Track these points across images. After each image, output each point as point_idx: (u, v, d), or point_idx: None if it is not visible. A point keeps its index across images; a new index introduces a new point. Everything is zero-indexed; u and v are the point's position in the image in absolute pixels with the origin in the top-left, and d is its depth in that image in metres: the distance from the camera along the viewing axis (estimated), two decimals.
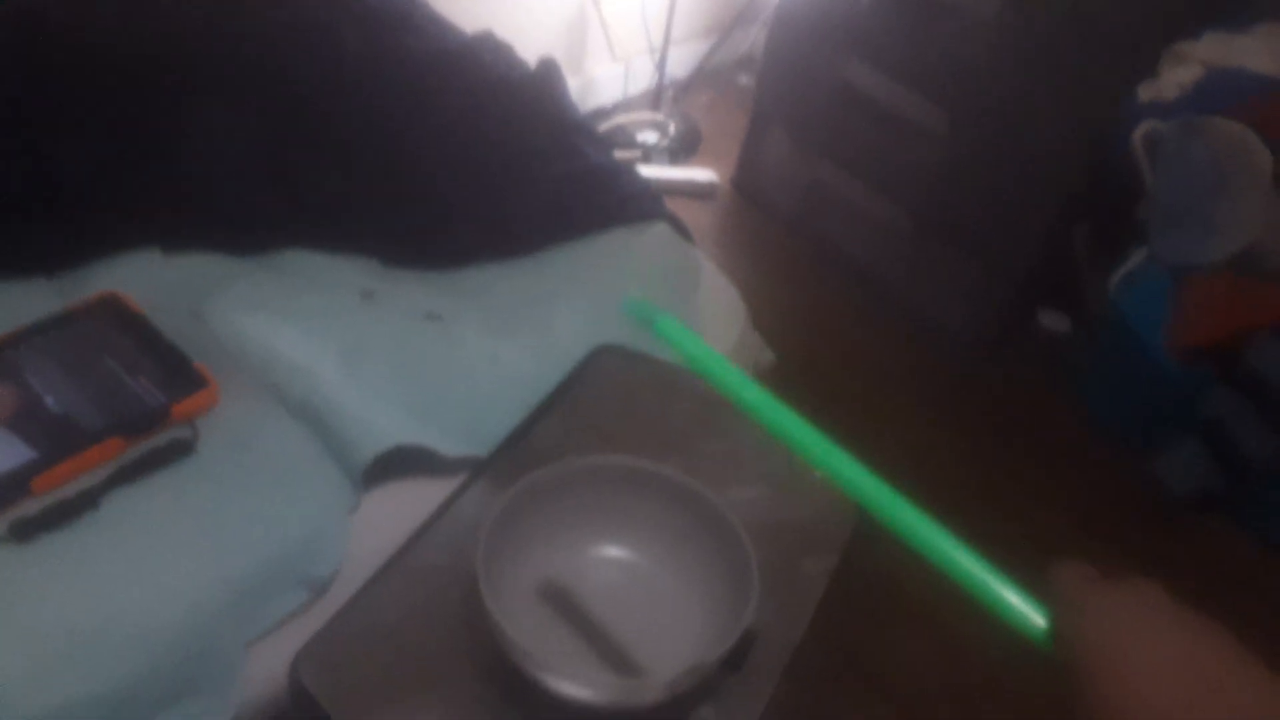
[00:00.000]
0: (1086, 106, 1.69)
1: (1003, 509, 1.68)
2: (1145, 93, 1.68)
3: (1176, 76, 1.67)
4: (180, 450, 0.85)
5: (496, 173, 1.27)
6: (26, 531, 0.77)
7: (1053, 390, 1.92)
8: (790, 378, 1.39)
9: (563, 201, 1.26)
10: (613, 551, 0.73)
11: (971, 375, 1.95)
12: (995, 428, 1.85)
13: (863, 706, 1.38)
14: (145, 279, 1.00)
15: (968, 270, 1.93)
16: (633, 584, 0.71)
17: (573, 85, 1.58)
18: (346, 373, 0.97)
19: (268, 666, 0.81)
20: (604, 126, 2.35)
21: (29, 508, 0.79)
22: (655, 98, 2.42)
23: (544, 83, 1.47)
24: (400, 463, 0.91)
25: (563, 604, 0.69)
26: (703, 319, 1.20)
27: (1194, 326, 1.58)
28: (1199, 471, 1.59)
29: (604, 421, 0.85)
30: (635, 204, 1.30)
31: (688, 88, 2.53)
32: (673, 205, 1.35)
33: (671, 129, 2.38)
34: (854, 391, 1.86)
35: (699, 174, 2.30)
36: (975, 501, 1.69)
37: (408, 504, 0.90)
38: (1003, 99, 1.73)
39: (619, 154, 1.79)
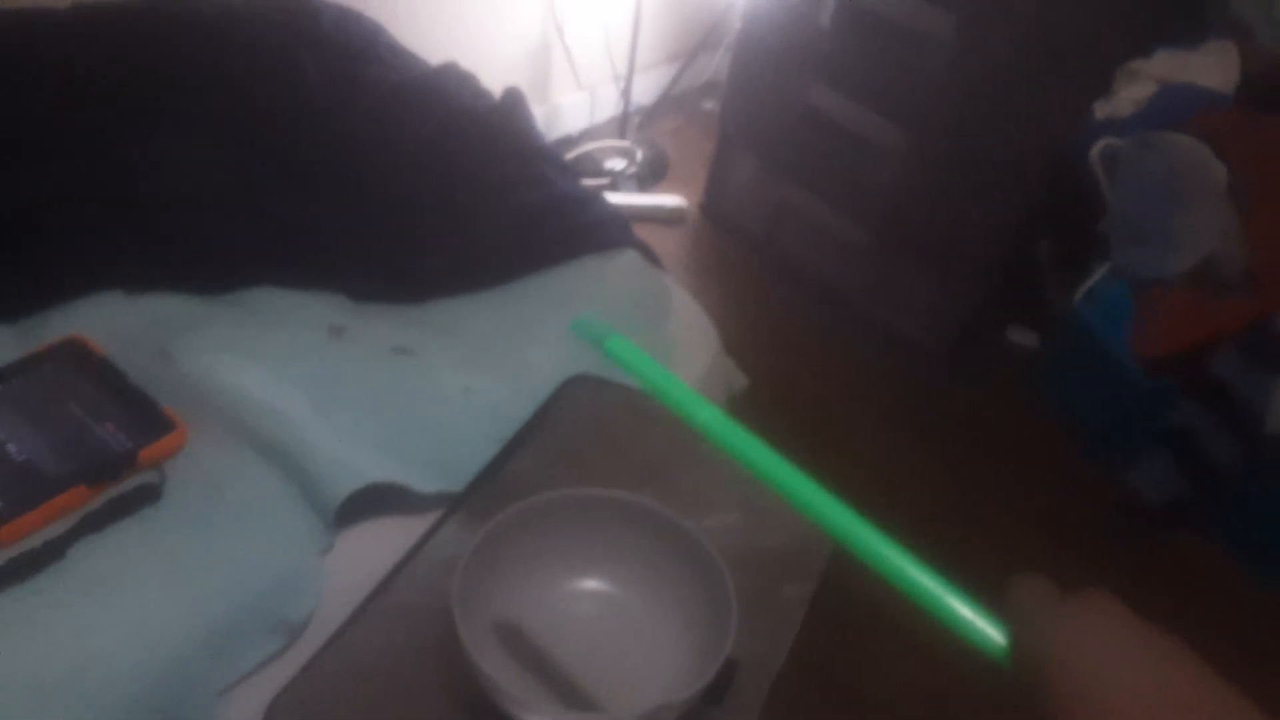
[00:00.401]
0: (1044, 124, 1.72)
1: (974, 523, 1.69)
2: (1101, 110, 1.72)
3: (1130, 93, 1.71)
4: (148, 496, 0.84)
5: (463, 203, 1.27)
6: None
7: (1022, 404, 1.94)
8: (760, 397, 1.39)
9: (531, 231, 1.26)
10: (590, 584, 0.72)
11: (941, 390, 1.97)
12: (965, 442, 1.87)
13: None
14: (108, 321, 0.99)
15: (932, 287, 1.95)
16: (611, 616, 0.70)
17: (538, 114, 1.59)
18: (317, 411, 0.96)
19: (242, 711, 0.79)
20: (571, 154, 2.36)
21: None
22: (621, 125, 2.44)
23: (509, 112, 1.48)
24: (373, 501, 0.89)
25: (539, 642, 0.69)
26: (674, 346, 1.20)
27: (1157, 338, 1.61)
28: (1170, 482, 1.61)
29: (578, 452, 0.85)
30: (604, 232, 1.30)
31: (653, 114, 2.55)
32: (642, 231, 1.36)
33: (638, 155, 2.40)
34: (824, 409, 1.87)
35: (667, 200, 2.31)
36: (946, 516, 1.71)
37: (382, 542, 0.89)
38: (961, 118, 1.76)
39: (586, 182, 1.80)
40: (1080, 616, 0.42)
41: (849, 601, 0.86)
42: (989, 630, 0.44)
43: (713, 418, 0.54)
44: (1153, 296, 1.63)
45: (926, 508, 1.71)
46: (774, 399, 1.61)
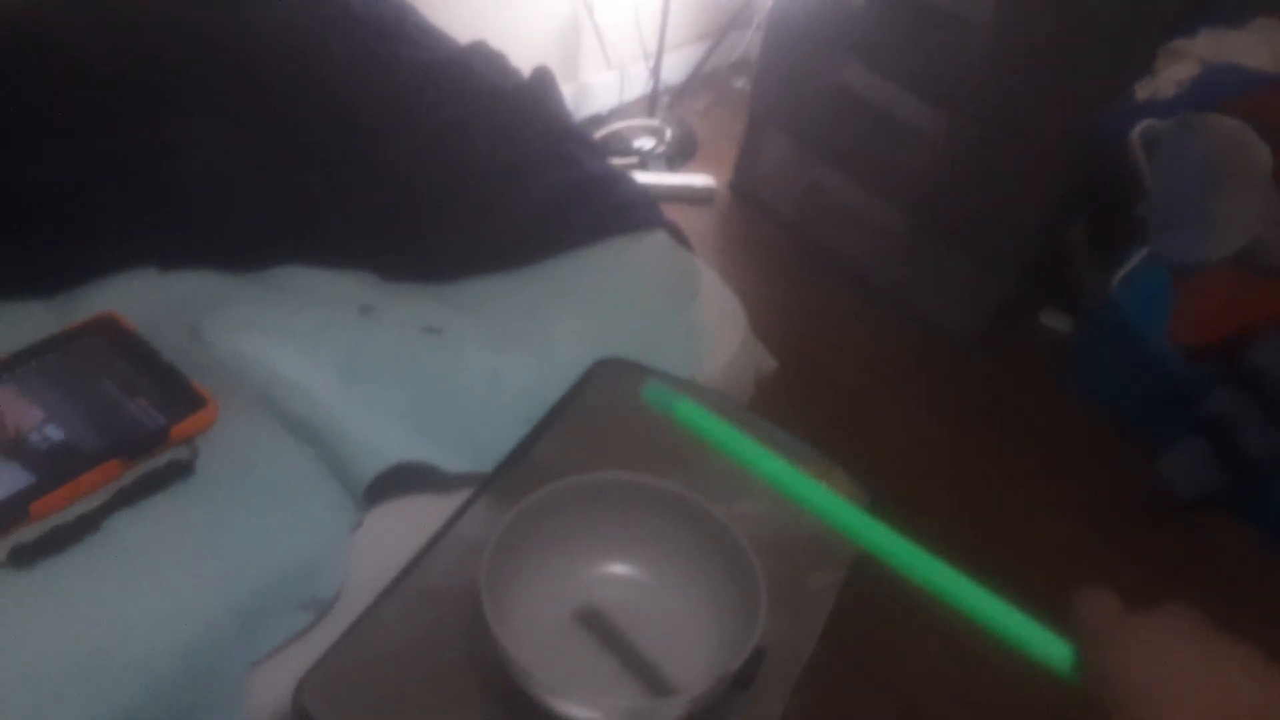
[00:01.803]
0: (1083, 105, 1.68)
1: (1007, 510, 1.67)
2: (1142, 91, 1.68)
3: (1173, 74, 1.67)
4: (180, 471, 0.85)
5: (491, 183, 1.26)
6: (26, 557, 0.76)
7: (1056, 390, 1.92)
8: (789, 380, 1.38)
9: (559, 211, 1.25)
10: (618, 569, 0.72)
11: (974, 376, 1.94)
12: (996, 428, 1.85)
13: (871, 713, 1.37)
14: (141, 298, 0.99)
15: (965, 271, 1.92)
16: (639, 602, 0.70)
17: (567, 93, 1.58)
18: (346, 389, 0.96)
19: (271, 689, 0.80)
20: (600, 134, 2.35)
21: (27, 533, 0.78)
22: (651, 103, 2.42)
23: (538, 91, 1.46)
24: (401, 480, 0.90)
25: (566, 627, 0.68)
26: (703, 328, 1.19)
27: (1195, 324, 1.58)
28: (1203, 470, 1.58)
29: (606, 436, 0.84)
30: (633, 212, 1.29)
31: (683, 93, 2.52)
32: (670, 211, 1.34)
33: (668, 135, 2.38)
34: (855, 394, 1.86)
35: (696, 179, 2.29)
36: (979, 503, 1.69)
37: (409, 521, 0.90)
38: (999, 100, 1.73)
39: (615, 161, 1.78)
40: (1145, 632, 0.42)
41: (877, 590, 0.85)
42: (1054, 646, 0.44)
43: (783, 470, 0.55)
44: (1192, 282, 1.59)
45: (956, 494, 1.70)
46: (802, 382, 1.60)
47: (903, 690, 1.40)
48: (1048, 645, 0.45)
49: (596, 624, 0.70)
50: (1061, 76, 1.65)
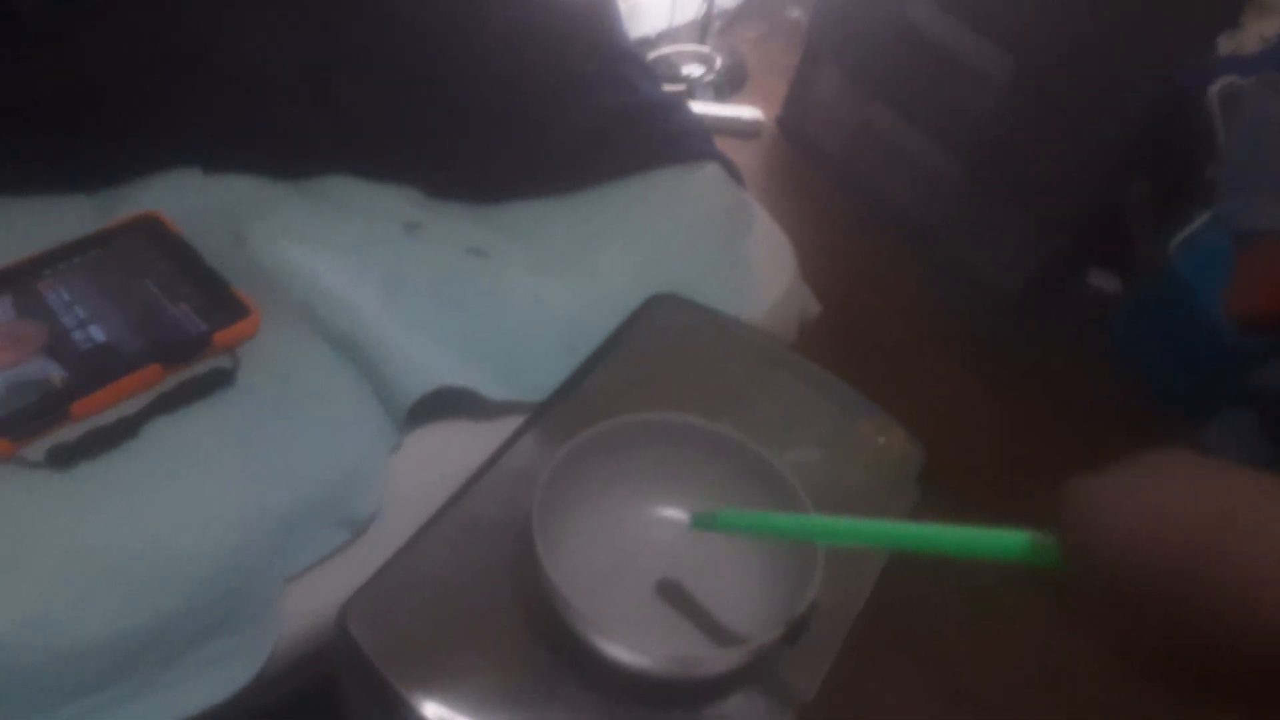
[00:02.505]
0: (1161, 56, 1.60)
1: (1040, 473, 1.64)
2: (1225, 44, 1.60)
3: (1260, 28, 1.58)
4: (221, 380, 0.83)
5: (541, 103, 1.22)
6: (66, 458, 0.75)
7: (1096, 352, 1.87)
8: (831, 327, 1.35)
9: (611, 135, 1.21)
10: (668, 513, 0.70)
11: (1016, 333, 1.90)
12: (1034, 388, 1.81)
13: (890, 665, 1.37)
14: (185, 199, 0.97)
15: (1019, 224, 1.86)
16: (688, 548, 0.68)
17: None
18: (389, 308, 0.94)
19: (306, 605, 0.80)
20: (649, 57, 2.28)
21: (68, 433, 0.77)
22: (702, 29, 2.34)
23: (595, 8, 1.41)
24: (441, 403, 0.88)
25: (614, 566, 0.67)
26: (752, 266, 1.16)
27: (1256, 294, 1.53)
28: (1251, 442, 1.55)
29: (658, 374, 0.82)
30: (686, 142, 1.25)
31: (736, 19, 2.44)
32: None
33: (717, 63, 2.30)
34: (891, 343, 1.82)
35: (744, 112, 2.22)
36: (1013, 464, 1.67)
37: (448, 446, 0.89)
38: (1072, 45, 1.65)
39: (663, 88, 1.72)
40: (1119, 475, 0.41)
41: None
42: (1018, 538, 0.45)
43: (842, 525, 0.58)
44: (1255, 250, 1.54)
45: (986, 453, 1.67)
46: (842, 328, 1.56)
47: (941, 661, 1.39)
48: (1009, 539, 0.46)
49: (645, 568, 0.68)
50: (1141, 24, 1.57)
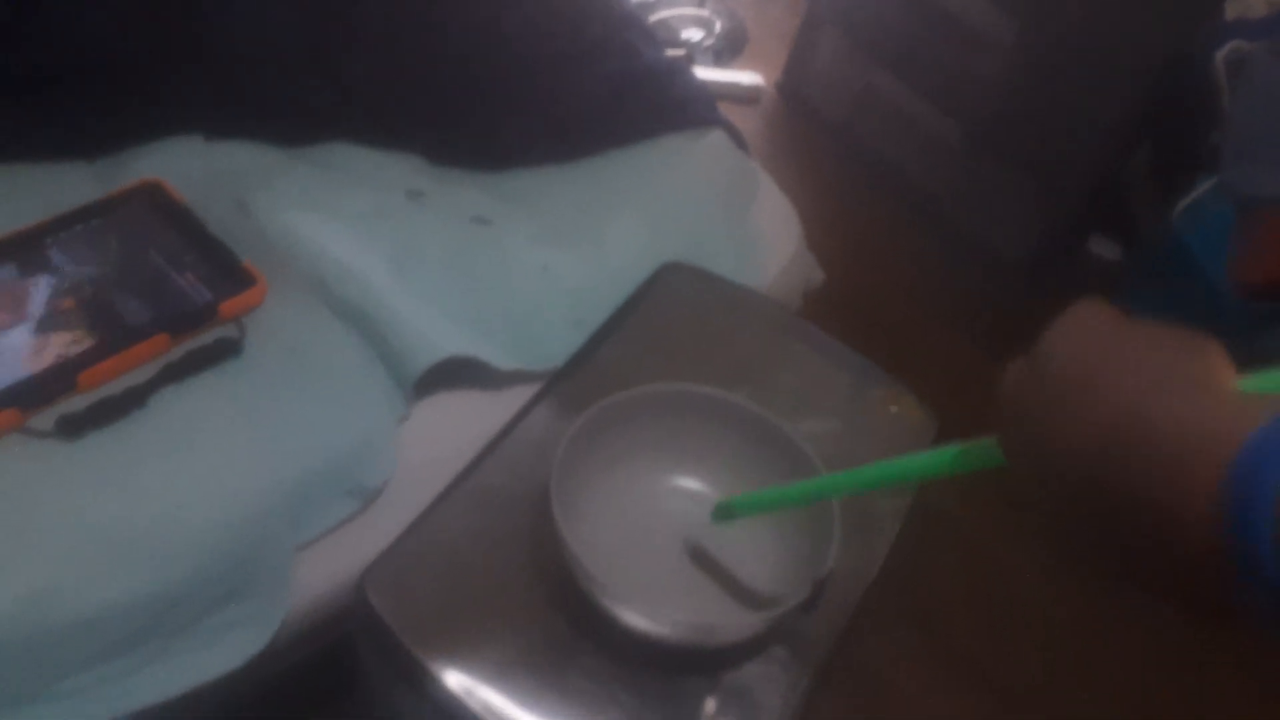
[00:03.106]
0: (1168, 20, 1.59)
1: None
2: (1233, 8, 1.58)
3: None
4: (228, 350, 0.82)
5: (544, 69, 1.21)
6: (74, 428, 0.75)
7: None
8: (834, 295, 1.35)
9: (615, 102, 1.20)
10: (685, 483, 0.70)
11: (1017, 301, 1.90)
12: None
13: (887, 628, 1.38)
14: (187, 167, 0.96)
15: (1021, 190, 1.85)
16: (705, 518, 0.68)
17: None
18: (395, 277, 0.93)
19: (317, 575, 0.80)
20: (648, 21, 2.24)
21: (75, 403, 0.76)
22: None
23: None
24: (450, 373, 0.88)
25: (632, 536, 0.67)
26: (758, 234, 1.16)
27: (1261, 262, 1.52)
28: None
29: (672, 344, 0.81)
30: (691, 108, 1.24)
31: None
32: None
33: (717, 26, 2.27)
34: (893, 311, 1.82)
35: (744, 77, 2.20)
36: None
37: (457, 416, 0.88)
38: (1077, 10, 1.63)
39: None
40: (1049, 338, 0.40)
41: (930, 520, 0.84)
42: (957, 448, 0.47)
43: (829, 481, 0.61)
44: (1260, 218, 1.53)
45: (986, 425, 1.67)
46: (842, 297, 1.56)
47: (937, 624, 1.40)
48: (955, 451, 0.47)
49: (662, 538, 0.68)
50: None
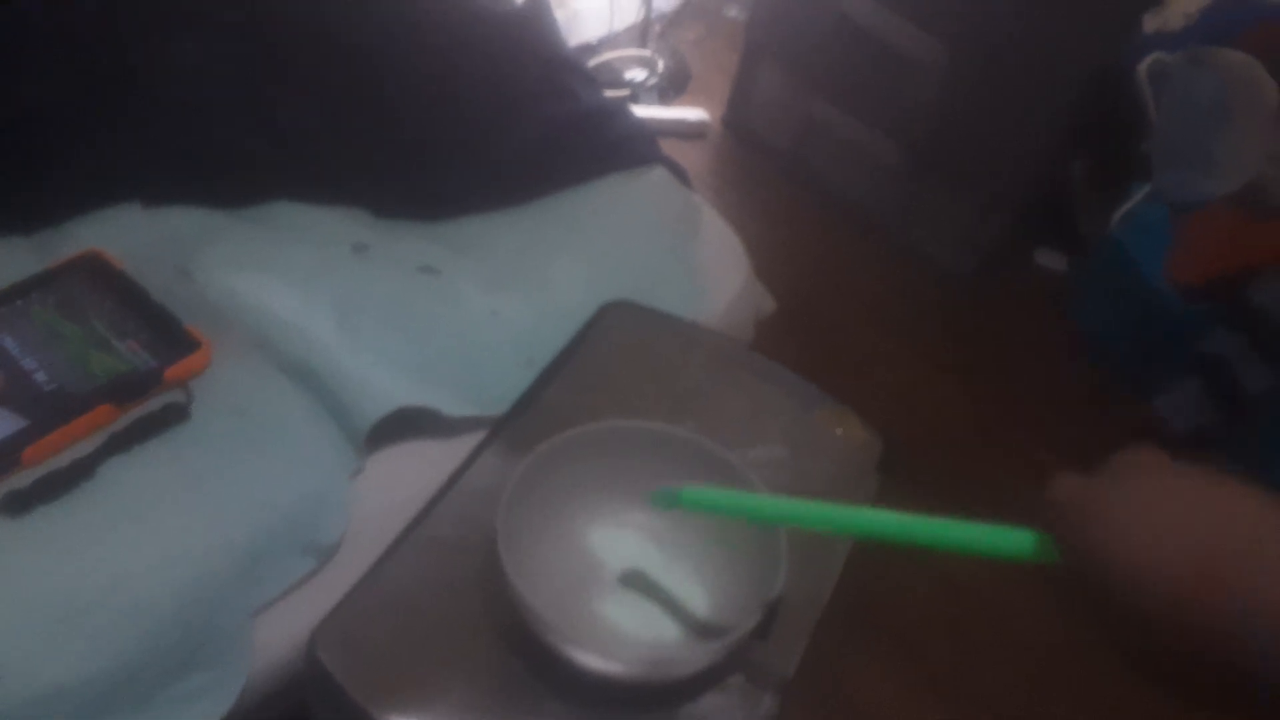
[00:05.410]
0: (1090, 37, 1.64)
1: (999, 447, 1.68)
2: (1150, 22, 1.64)
3: (1183, 5, 1.63)
4: (175, 415, 0.82)
5: (484, 116, 1.22)
6: (20, 504, 0.74)
7: (1050, 329, 1.91)
8: (787, 322, 1.36)
9: (555, 146, 1.22)
10: (634, 517, 0.71)
11: (968, 314, 1.93)
12: (992, 367, 1.84)
13: (861, 643, 1.38)
14: (126, 235, 0.96)
15: (963, 207, 1.90)
16: (655, 552, 0.68)
17: (557, 19, 1.52)
18: (342, 331, 0.93)
19: (277, 637, 0.79)
20: (590, 64, 2.28)
21: (21, 480, 0.75)
22: (642, 33, 2.34)
23: (531, 18, 1.41)
24: (402, 424, 0.88)
25: (583, 577, 0.67)
26: (704, 268, 1.17)
27: (1195, 263, 1.57)
28: (1198, 410, 1.59)
29: (616, 381, 0.82)
30: (631, 147, 1.26)
31: (675, 21, 2.45)
32: (662, 146, 1.30)
33: (660, 66, 2.31)
34: (848, 333, 1.84)
35: (689, 113, 2.23)
36: (970, 442, 1.69)
37: (411, 466, 0.88)
38: (1004, 31, 1.68)
39: (607, 93, 1.72)
40: (1119, 480, 0.42)
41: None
42: (1015, 535, 0.46)
43: (813, 509, 0.58)
44: (1193, 220, 1.58)
45: (950, 434, 1.70)
46: (799, 322, 1.58)
47: (916, 648, 1.40)
48: (1011, 538, 0.46)
49: (613, 574, 0.68)
50: (1069, 6, 1.61)
